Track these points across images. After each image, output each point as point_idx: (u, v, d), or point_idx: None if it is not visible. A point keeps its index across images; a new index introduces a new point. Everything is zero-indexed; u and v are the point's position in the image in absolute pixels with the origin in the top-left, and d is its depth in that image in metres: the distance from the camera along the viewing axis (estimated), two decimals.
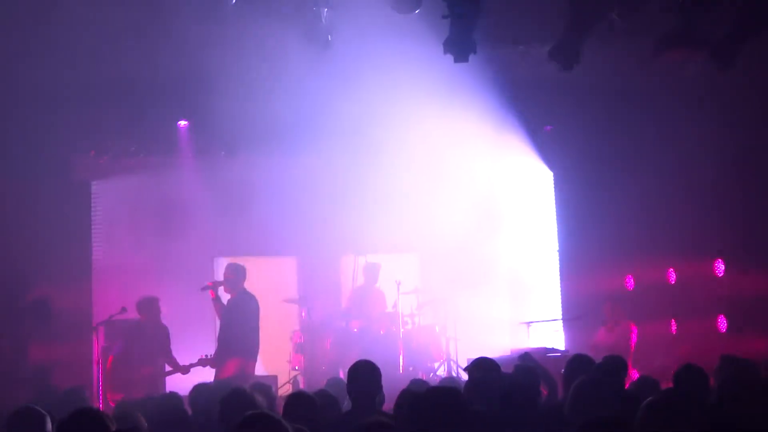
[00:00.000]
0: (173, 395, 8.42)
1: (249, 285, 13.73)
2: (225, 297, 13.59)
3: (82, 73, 13.57)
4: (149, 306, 13.67)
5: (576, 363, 7.97)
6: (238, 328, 13.14)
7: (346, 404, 7.63)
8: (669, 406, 5.93)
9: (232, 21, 11.37)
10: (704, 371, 7.37)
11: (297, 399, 6.80)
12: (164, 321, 13.93)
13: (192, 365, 13.20)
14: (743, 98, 13.14)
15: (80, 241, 15.57)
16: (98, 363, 13.13)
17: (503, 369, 8.31)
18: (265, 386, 8.24)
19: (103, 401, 12.61)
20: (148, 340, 13.45)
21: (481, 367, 7.91)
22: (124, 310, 13.36)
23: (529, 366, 8.35)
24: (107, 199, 16.14)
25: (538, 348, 13.94)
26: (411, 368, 14.12)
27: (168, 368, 13.43)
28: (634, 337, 14.23)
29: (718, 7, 10.81)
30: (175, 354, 13.57)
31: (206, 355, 13.17)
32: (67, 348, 14.19)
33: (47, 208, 14.79)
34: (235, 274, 13.39)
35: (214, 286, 13.48)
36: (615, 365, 7.48)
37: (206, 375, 13.75)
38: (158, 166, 16.00)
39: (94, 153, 15.53)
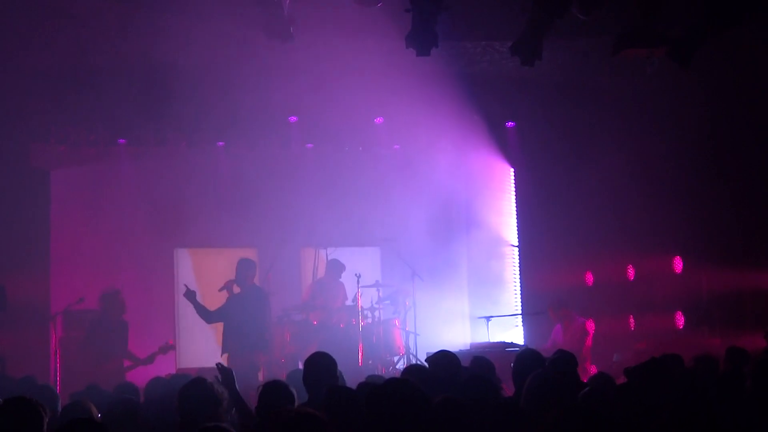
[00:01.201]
0: (129, 385, 8.38)
1: (206, 276, 13.64)
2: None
3: (41, 61, 13.47)
4: (112, 300, 13.55)
5: (525, 358, 7.99)
6: (260, 321, 13.08)
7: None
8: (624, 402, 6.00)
9: (192, 11, 11.33)
10: (667, 367, 7.41)
11: (274, 388, 6.78)
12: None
13: (154, 354, 13.13)
14: (702, 96, 13.25)
15: (38, 230, 15.43)
16: (56, 353, 13.03)
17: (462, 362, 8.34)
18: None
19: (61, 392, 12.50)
20: (109, 334, 13.34)
21: (440, 359, 7.94)
22: (81, 300, 13.26)
23: (486, 359, 8.38)
24: (66, 188, 16.00)
25: (496, 342, 13.99)
26: (370, 362, 14.11)
27: (128, 363, 13.32)
28: (590, 333, 14.29)
29: (678, 5, 10.89)
30: (135, 345, 13.47)
31: (167, 342, 13.09)
32: (24, 337, 14.07)
33: (5, 196, 14.66)
34: (248, 270, 13.31)
35: (231, 283, 13.39)
36: (565, 360, 7.53)
37: (170, 365, 13.78)
38: (118, 156, 15.89)
39: (53, 141, 15.38)
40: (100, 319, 13.46)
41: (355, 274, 14.21)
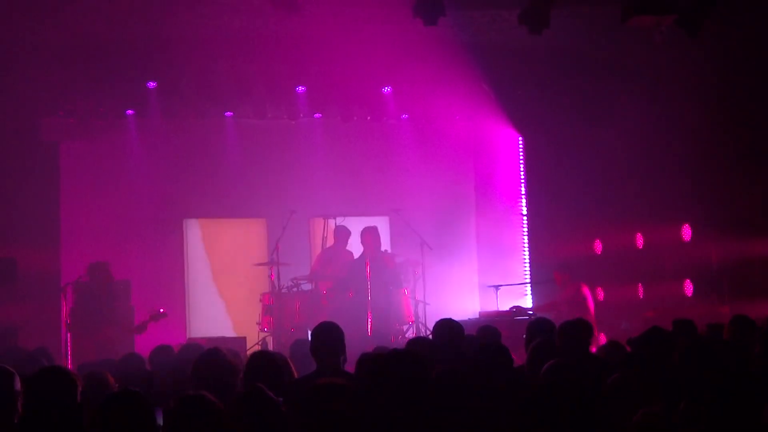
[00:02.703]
0: (134, 355, 8.44)
1: (215, 246, 13.69)
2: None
3: (50, 34, 13.47)
4: (96, 269, 13.53)
5: (537, 326, 8.02)
6: None
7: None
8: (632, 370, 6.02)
9: None
10: (668, 335, 7.43)
11: (260, 358, 6.80)
12: (134, 282, 13.95)
13: (145, 322, 13.09)
14: (712, 64, 13.19)
15: (48, 203, 15.49)
16: (67, 324, 13.10)
17: (470, 331, 8.39)
18: (233, 350, 8.25)
19: (72, 362, 12.57)
20: (100, 303, 13.36)
21: (444, 328, 7.98)
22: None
23: (493, 328, 8.42)
24: (76, 161, 16.03)
25: (505, 311, 14.06)
26: (380, 331, 14.17)
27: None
28: (589, 299, 14.30)
29: None
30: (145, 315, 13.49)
31: (158, 311, 13.04)
32: (35, 309, 14.16)
33: (15, 168, 14.73)
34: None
35: None
36: (575, 328, 7.50)
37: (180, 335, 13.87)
38: (127, 128, 15.91)
39: (62, 114, 15.40)
40: (90, 288, 13.43)
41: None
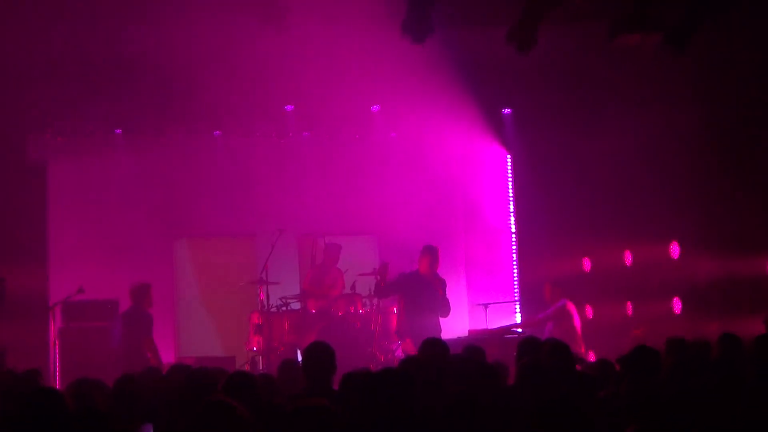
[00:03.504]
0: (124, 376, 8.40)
1: (207, 266, 13.63)
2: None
3: (38, 51, 13.47)
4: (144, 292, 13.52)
5: (527, 345, 8.02)
6: None
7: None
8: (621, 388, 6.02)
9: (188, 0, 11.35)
10: (656, 353, 7.44)
11: (238, 378, 6.78)
12: (122, 301, 13.92)
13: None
14: (700, 82, 13.25)
15: (36, 221, 15.42)
16: (54, 344, 13.05)
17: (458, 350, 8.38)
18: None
19: (60, 383, 12.52)
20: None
21: (430, 347, 7.99)
22: (81, 290, 13.27)
23: (478, 348, 8.41)
24: (64, 179, 15.98)
25: (495, 329, 14.03)
26: (369, 350, 14.15)
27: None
28: (575, 315, 14.25)
29: None
30: None
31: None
32: (22, 329, 14.09)
33: (2, 187, 14.68)
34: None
35: None
36: (558, 347, 7.54)
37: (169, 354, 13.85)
38: (115, 146, 15.87)
39: (50, 132, 15.38)
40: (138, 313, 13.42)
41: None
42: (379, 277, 13.46)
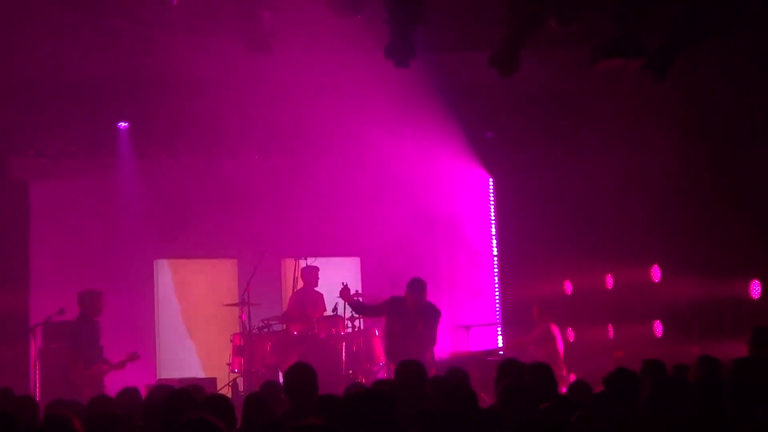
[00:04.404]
0: (102, 397, 8.38)
1: (188, 287, 13.61)
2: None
3: (21, 72, 13.47)
4: (93, 299, 13.47)
5: (507, 366, 8.05)
6: None
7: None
8: (598, 410, 6.05)
9: (173, 23, 11.36)
10: (635, 375, 7.48)
11: (214, 401, 6.80)
12: (102, 321, 13.84)
13: (124, 361, 13.06)
14: (680, 108, 13.33)
15: (17, 242, 15.38)
16: (35, 365, 13.00)
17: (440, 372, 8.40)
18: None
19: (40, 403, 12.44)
20: (92, 337, 13.31)
21: (405, 370, 8.01)
22: (62, 311, 13.22)
23: (460, 370, 8.43)
24: (46, 200, 15.95)
25: (476, 351, 14.06)
26: (351, 372, 14.15)
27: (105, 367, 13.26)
28: (558, 338, 14.30)
29: (654, 16, 10.97)
30: (116, 357, 13.37)
31: (135, 353, 13.06)
32: (3, 350, 14.02)
33: None
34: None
35: None
36: (540, 370, 7.57)
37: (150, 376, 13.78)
38: (98, 168, 15.85)
39: (32, 153, 15.35)
40: (81, 322, 13.37)
41: (342, 282, 14.04)
42: (344, 299, 13.54)
